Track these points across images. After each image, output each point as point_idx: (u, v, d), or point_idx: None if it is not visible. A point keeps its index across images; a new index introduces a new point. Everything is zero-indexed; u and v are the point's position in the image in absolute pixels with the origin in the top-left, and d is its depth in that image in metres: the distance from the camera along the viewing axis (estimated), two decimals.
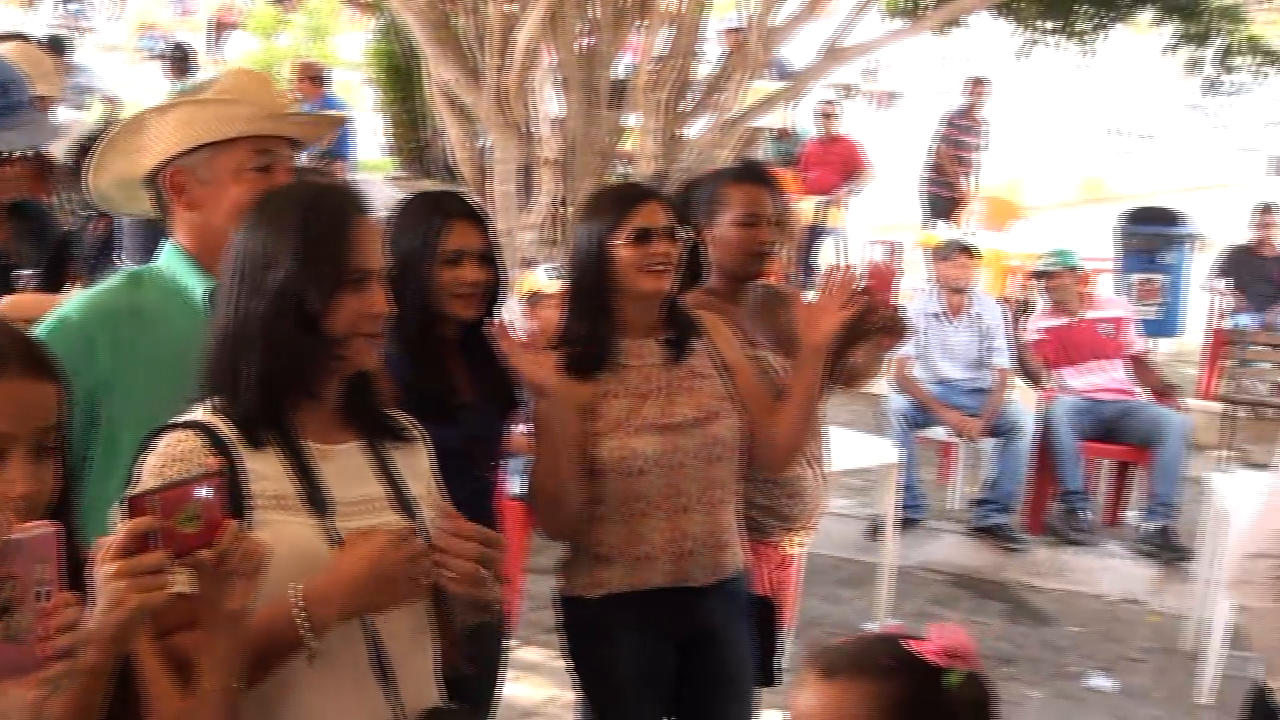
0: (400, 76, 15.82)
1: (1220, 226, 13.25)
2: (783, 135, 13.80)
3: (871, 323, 3.74)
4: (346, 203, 2.40)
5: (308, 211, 2.35)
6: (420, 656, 2.46)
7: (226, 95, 2.82)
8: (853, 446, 6.44)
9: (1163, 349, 11.45)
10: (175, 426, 2.30)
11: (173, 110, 2.85)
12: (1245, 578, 3.07)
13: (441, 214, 3.32)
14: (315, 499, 2.32)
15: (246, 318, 2.32)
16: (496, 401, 3.43)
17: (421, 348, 3.26)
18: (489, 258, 3.36)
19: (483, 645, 3.06)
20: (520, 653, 5.52)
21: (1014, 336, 8.16)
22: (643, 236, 3.37)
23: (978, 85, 14.55)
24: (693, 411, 3.46)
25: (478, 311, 3.34)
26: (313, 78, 12.78)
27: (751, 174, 4.03)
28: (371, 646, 2.34)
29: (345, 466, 2.38)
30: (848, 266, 3.68)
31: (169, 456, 2.25)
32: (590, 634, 3.51)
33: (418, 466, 2.50)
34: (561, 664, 3.63)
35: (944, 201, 13.99)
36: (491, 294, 3.38)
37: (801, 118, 14.34)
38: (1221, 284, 11.12)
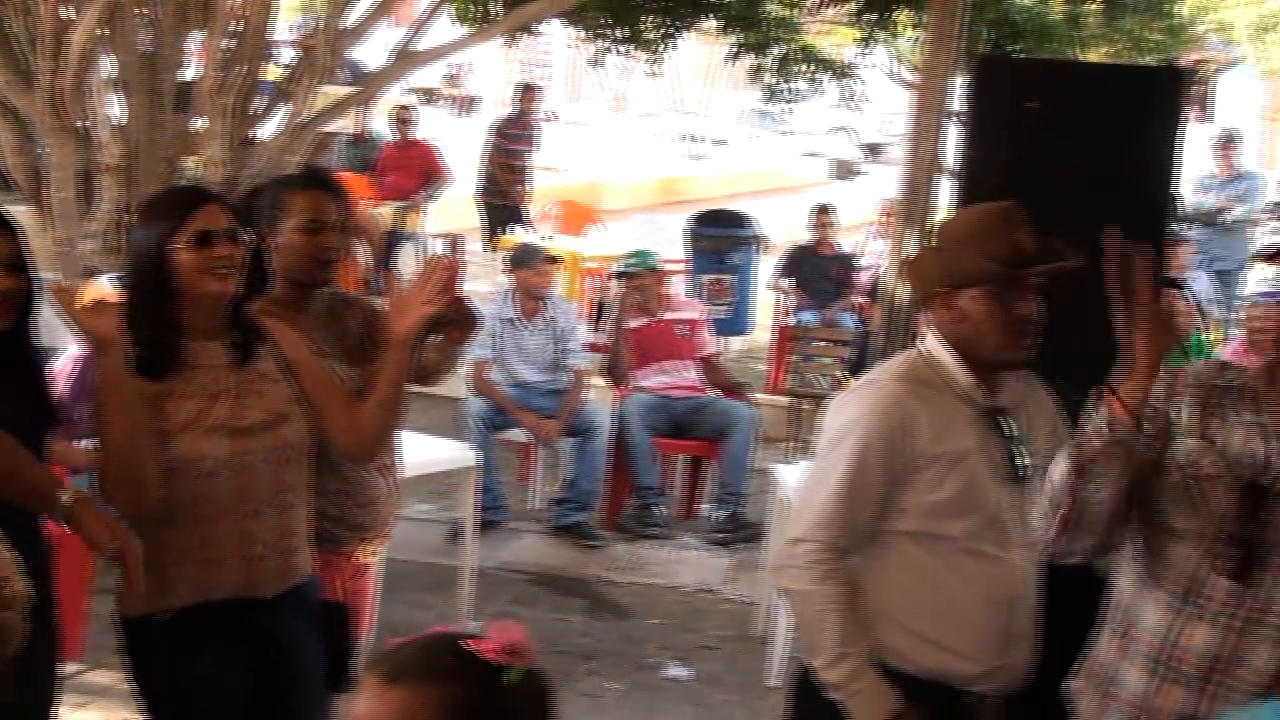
0: None
1: (787, 228, 13.86)
2: (359, 140, 13.68)
3: (440, 316, 3.73)
4: None
5: None
6: None
7: None
8: (431, 450, 6.45)
9: (733, 347, 11.89)
10: None
11: None
12: (786, 562, 3.20)
13: None
14: None
15: None
16: (32, 414, 3.29)
17: None
18: (19, 265, 3.23)
19: (30, 669, 2.93)
20: (87, 677, 5.31)
21: (610, 335, 8.30)
22: (204, 239, 3.29)
23: (529, 93, 14.82)
24: (262, 415, 3.39)
25: (6, 322, 3.20)
26: None
27: (314, 180, 3.99)
28: None
29: None
30: (446, 260, 3.65)
31: None
32: (156, 654, 3.39)
33: None
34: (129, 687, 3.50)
35: (500, 210, 14.11)
36: (23, 303, 3.26)
37: (378, 122, 14.26)
38: (785, 283, 11.62)
